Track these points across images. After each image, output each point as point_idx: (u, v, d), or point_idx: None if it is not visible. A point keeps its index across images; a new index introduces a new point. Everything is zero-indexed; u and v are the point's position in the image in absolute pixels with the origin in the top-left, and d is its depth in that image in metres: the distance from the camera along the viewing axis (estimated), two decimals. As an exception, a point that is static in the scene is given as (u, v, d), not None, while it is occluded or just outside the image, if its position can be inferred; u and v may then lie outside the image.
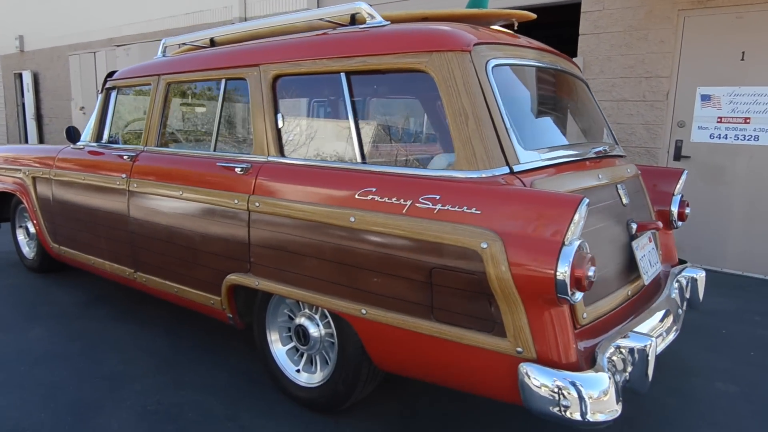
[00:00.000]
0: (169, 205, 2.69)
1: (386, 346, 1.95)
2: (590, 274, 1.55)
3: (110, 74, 3.47)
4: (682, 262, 2.78)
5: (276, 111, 2.38)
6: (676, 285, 2.42)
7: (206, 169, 2.54)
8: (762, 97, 4.38)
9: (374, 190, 1.93)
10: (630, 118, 5.02)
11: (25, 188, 3.85)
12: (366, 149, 2.11)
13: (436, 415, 2.28)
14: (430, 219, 1.76)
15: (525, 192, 1.66)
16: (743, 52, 4.42)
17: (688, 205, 2.74)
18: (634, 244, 2.17)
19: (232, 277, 2.41)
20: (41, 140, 12.60)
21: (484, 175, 1.77)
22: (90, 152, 3.35)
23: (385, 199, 1.88)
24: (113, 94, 3.37)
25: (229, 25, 2.81)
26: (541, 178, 1.83)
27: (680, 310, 2.33)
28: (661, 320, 2.09)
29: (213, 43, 3.06)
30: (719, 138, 4.64)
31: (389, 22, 2.21)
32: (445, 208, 1.74)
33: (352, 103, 2.14)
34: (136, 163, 2.94)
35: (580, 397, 1.52)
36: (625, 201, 2.23)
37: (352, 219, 1.94)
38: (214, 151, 2.62)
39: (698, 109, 4.72)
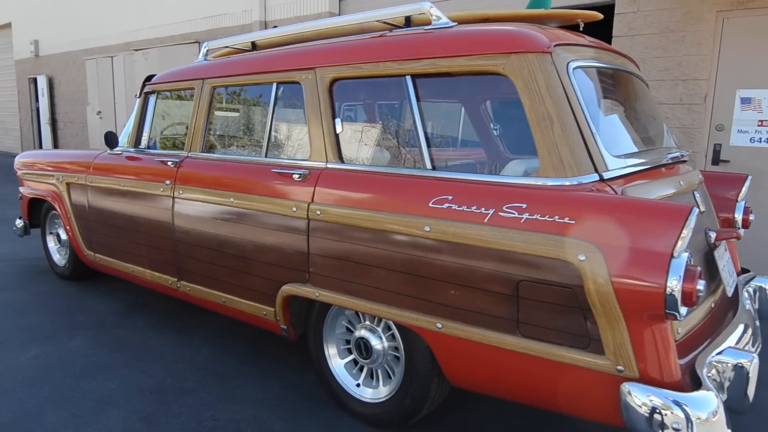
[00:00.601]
0: (218, 212, 2.61)
1: (463, 362, 1.86)
2: (700, 288, 1.46)
3: (149, 78, 3.41)
4: (745, 270, 2.68)
5: (334, 116, 2.30)
6: (746, 295, 2.32)
7: (260, 175, 2.46)
8: (806, 99, 4.27)
9: (450, 198, 1.84)
10: (666, 122, 4.91)
11: (59, 194, 3.79)
12: (435, 155, 2.03)
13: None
14: (517, 229, 1.67)
15: (625, 201, 1.57)
16: (786, 54, 4.32)
17: (751, 212, 2.64)
18: (715, 253, 2.08)
19: (289, 288, 2.33)
20: (56, 145, 12.60)
21: (573, 183, 1.68)
22: (129, 158, 3.28)
23: (464, 208, 1.80)
24: (152, 98, 3.31)
25: (274, 28, 2.74)
26: (631, 186, 1.74)
27: (757, 322, 2.23)
28: (744, 332, 1.99)
29: (255, 46, 3.00)
30: (760, 142, 4.53)
31: (456, 23, 2.13)
32: (534, 217, 1.65)
33: (419, 107, 2.06)
34: (181, 169, 2.87)
35: (688, 420, 1.42)
36: (702, 208, 2.14)
37: (427, 228, 1.85)
38: (266, 157, 2.55)
39: (738, 113, 4.62)
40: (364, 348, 2.23)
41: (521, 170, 1.92)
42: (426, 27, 2.16)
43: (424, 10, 2.15)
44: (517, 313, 1.69)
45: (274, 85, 2.56)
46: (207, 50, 3.14)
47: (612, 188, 1.69)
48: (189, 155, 2.91)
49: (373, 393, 2.24)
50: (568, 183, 1.69)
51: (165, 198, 2.91)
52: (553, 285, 1.60)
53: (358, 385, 2.30)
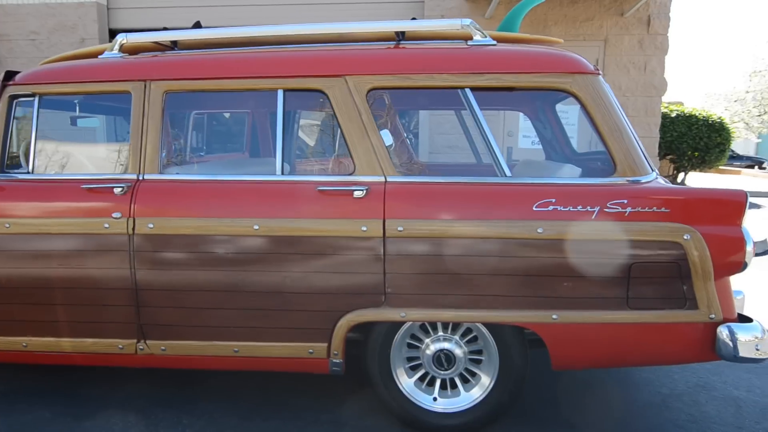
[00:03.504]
0: (229, 245, 2.14)
1: (573, 345, 2.09)
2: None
3: (9, 76, 2.45)
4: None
5: (380, 127, 2.20)
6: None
7: (299, 195, 2.14)
8: None
9: (554, 201, 2.05)
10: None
11: None
12: (507, 161, 2.17)
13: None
14: (624, 221, 2.00)
15: (699, 191, 2.06)
16: None
17: None
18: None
19: (355, 315, 2.12)
20: None
21: (648, 179, 2.10)
22: (4, 187, 2.31)
23: (570, 208, 2.03)
24: (31, 103, 2.39)
25: (261, 26, 2.38)
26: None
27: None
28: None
29: (175, 44, 2.51)
30: (538, 144, 5.90)
31: (496, 42, 2.31)
32: (635, 210, 2.01)
33: (481, 117, 2.18)
34: (139, 196, 2.21)
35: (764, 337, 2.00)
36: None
37: (540, 230, 2.02)
38: (283, 174, 2.22)
39: (522, 121, 5.90)
40: (445, 359, 2.22)
41: (576, 173, 2.26)
42: (469, 42, 2.28)
43: (467, 27, 2.26)
44: (627, 290, 2.03)
45: (281, 92, 2.24)
46: (122, 45, 2.45)
47: (664, 181, 2.18)
48: (143, 177, 2.26)
49: (457, 401, 2.25)
50: (644, 180, 2.10)
51: (115, 237, 2.19)
52: (662, 262, 1.99)
53: (434, 399, 2.27)
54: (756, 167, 21.98)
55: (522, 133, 5.95)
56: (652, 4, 5.73)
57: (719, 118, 11.07)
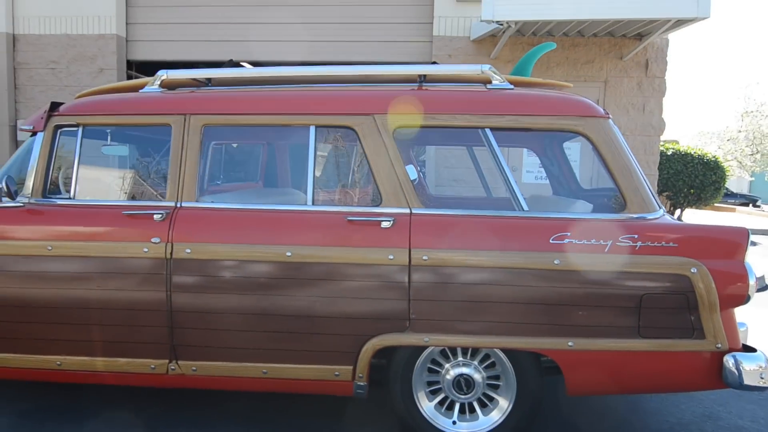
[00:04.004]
0: (262, 271, 2.27)
1: (587, 371, 2.21)
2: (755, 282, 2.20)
3: (54, 106, 2.61)
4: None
5: (405, 162, 2.35)
6: None
7: (330, 225, 2.28)
8: None
9: (569, 234, 2.19)
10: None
11: None
12: (524, 196, 2.32)
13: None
14: (635, 254, 2.14)
15: (704, 228, 2.22)
16: None
17: None
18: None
19: (380, 340, 2.24)
20: None
21: (656, 216, 2.25)
22: (47, 212, 2.44)
23: (584, 242, 2.17)
24: (76, 133, 2.54)
25: (273, 68, 2.56)
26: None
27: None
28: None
29: (209, 81, 2.69)
30: (542, 179, 6.10)
31: (513, 86, 2.49)
32: (645, 244, 2.16)
33: (500, 155, 2.35)
34: (177, 223, 2.34)
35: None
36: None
37: (557, 261, 2.15)
38: (314, 204, 2.37)
39: (525, 158, 6.10)
40: (464, 384, 2.33)
41: (588, 209, 2.41)
42: (489, 85, 2.46)
43: (486, 71, 2.45)
44: (638, 319, 2.15)
45: (313, 128, 2.40)
46: (162, 80, 2.63)
47: (671, 218, 2.33)
48: (181, 205, 2.40)
49: (476, 424, 2.34)
50: (651, 217, 2.25)
51: (153, 261, 2.32)
52: (671, 293, 2.13)
53: (454, 422, 2.36)
54: (750, 205, 22.33)
55: (525, 168, 6.16)
56: (650, 49, 6.02)
57: (714, 156, 11.37)
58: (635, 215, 2.24)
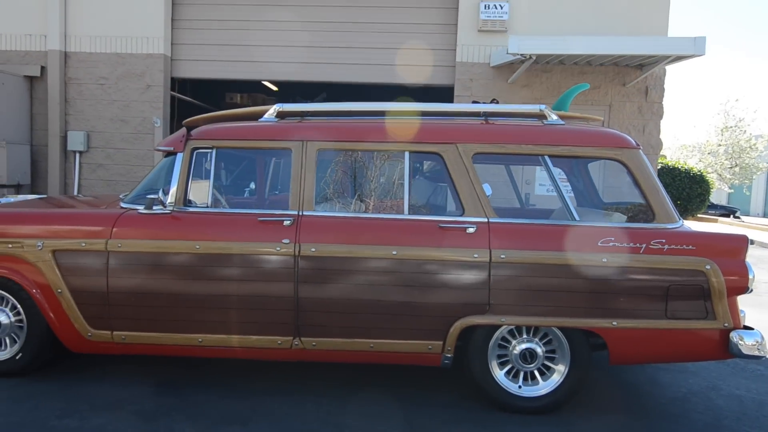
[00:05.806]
0: (373, 266, 2.88)
1: (628, 345, 2.85)
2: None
3: (189, 129, 3.19)
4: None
5: (481, 181, 2.99)
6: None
7: (427, 230, 2.90)
8: None
9: (613, 239, 2.85)
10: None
11: (31, 266, 3.01)
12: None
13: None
14: (664, 254, 2.80)
15: (714, 234, 2.88)
16: None
17: None
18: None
19: (466, 320, 2.86)
20: None
21: (677, 226, 2.92)
22: (194, 218, 3.02)
23: (624, 244, 2.83)
24: (209, 154, 3.13)
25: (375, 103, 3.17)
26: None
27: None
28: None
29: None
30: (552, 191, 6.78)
31: (564, 122, 3.15)
32: (671, 247, 2.82)
33: (557, 176, 3.00)
34: (303, 227, 2.95)
35: (764, 342, 2.79)
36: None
37: (605, 260, 2.80)
38: (409, 213, 2.99)
39: (538, 171, 6.77)
40: (529, 356, 2.96)
41: (623, 218, 3.07)
42: (545, 121, 3.11)
43: (543, 111, 3.10)
44: (666, 304, 2.81)
45: (407, 154, 3.03)
46: (278, 111, 3.22)
47: (688, 227, 3.00)
48: (303, 213, 3.00)
49: (537, 388, 2.97)
50: (673, 226, 2.92)
51: (284, 257, 2.91)
52: (691, 284, 2.79)
53: (519, 387, 2.99)
54: (731, 216, 23.41)
55: (538, 182, 6.84)
56: (650, 78, 6.77)
57: (700, 171, 12.25)
58: (661, 225, 2.91)
